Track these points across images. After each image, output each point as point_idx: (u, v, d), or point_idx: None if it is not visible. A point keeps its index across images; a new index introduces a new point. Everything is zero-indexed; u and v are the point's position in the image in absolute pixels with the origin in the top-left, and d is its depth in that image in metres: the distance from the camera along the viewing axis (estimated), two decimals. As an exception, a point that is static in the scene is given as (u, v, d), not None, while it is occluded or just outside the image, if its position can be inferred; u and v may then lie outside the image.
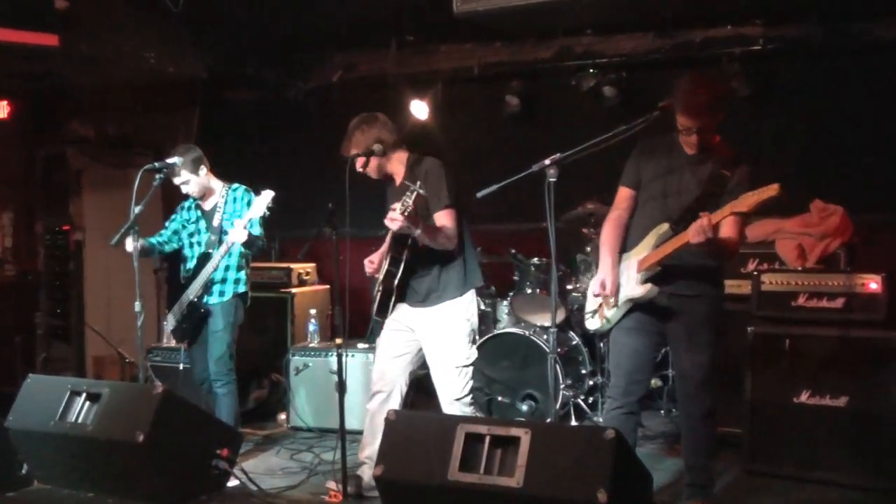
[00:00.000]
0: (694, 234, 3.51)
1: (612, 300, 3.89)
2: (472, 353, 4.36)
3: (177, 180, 4.95)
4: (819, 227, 5.07)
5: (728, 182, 3.71)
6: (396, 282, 4.25)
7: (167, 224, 5.24)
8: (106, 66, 5.94)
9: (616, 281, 3.89)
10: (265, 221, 4.80)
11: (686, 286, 3.80)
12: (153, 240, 5.12)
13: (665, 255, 3.70)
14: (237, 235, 4.69)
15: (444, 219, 4.19)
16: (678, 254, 3.69)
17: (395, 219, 3.95)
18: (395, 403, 4.38)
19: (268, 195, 4.70)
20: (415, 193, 4.00)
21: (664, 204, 3.83)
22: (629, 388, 3.92)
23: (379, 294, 4.33)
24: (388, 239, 4.40)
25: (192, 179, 4.95)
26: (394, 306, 4.35)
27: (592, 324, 4.08)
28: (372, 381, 4.49)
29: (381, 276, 4.32)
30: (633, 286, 3.81)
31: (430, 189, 4.17)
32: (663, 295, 3.79)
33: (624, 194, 4.01)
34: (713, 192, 3.71)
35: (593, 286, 3.96)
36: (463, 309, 4.30)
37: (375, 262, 4.44)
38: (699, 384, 3.85)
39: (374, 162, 4.31)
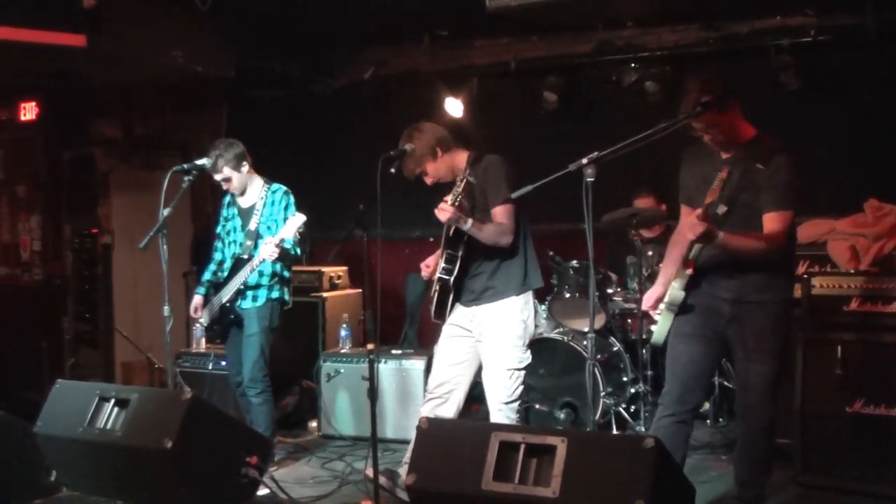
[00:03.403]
0: (687, 231, 3.47)
1: (656, 313, 3.84)
2: (526, 357, 4.26)
3: (218, 177, 4.88)
4: (874, 228, 4.91)
5: (761, 176, 3.56)
6: (452, 280, 4.17)
7: (213, 254, 5.20)
8: (133, 66, 5.91)
9: (656, 295, 3.84)
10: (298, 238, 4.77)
11: (748, 292, 3.64)
12: (206, 277, 5.13)
13: (685, 257, 3.63)
14: (268, 252, 4.63)
15: (501, 214, 4.12)
16: (718, 256, 3.60)
17: (444, 209, 3.92)
18: (450, 411, 4.30)
19: (299, 219, 4.67)
20: (464, 181, 3.94)
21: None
22: (683, 397, 3.77)
23: (436, 294, 4.27)
24: (443, 238, 4.33)
25: (234, 176, 4.90)
26: (451, 308, 4.28)
27: (653, 337, 3.96)
28: (428, 387, 4.42)
29: (436, 276, 4.24)
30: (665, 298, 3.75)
31: (489, 183, 4.13)
32: (725, 302, 3.66)
33: (683, 211, 3.93)
34: (749, 189, 3.58)
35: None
36: (518, 310, 4.21)
37: (431, 266, 4.37)
38: (760, 395, 3.68)
39: (437, 164, 4.24)
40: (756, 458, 3.78)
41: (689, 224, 3.45)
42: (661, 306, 3.79)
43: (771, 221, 3.56)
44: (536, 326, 5.77)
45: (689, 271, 3.65)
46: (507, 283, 4.20)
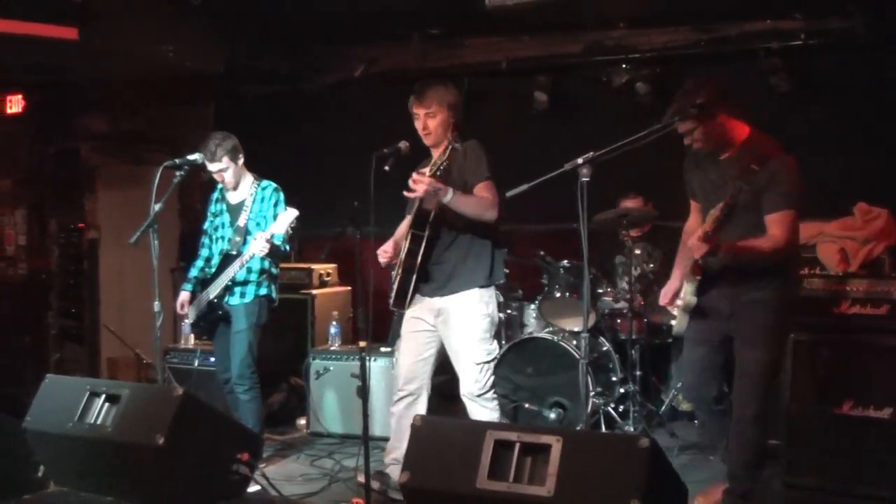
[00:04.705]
0: (694, 251, 3.61)
1: (674, 307, 4.01)
2: (493, 349, 4.29)
3: (214, 167, 4.83)
4: (863, 231, 4.92)
5: (758, 177, 3.63)
6: (418, 261, 4.12)
7: (200, 250, 5.17)
8: (122, 60, 5.86)
9: (672, 290, 4.01)
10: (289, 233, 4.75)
11: (749, 289, 3.76)
12: (193, 274, 5.10)
13: (693, 262, 3.78)
14: (258, 247, 4.59)
15: (484, 190, 4.10)
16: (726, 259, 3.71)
17: (419, 180, 3.86)
18: (423, 405, 4.32)
19: (291, 213, 4.64)
20: (449, 149, 3.85)
21: (707, 212, 3.80)
22: (699, 395, 4.09)
23: (398, 278, 4.21)
24: (405, 221, 4.32)
25: (231, 168, 4.88)
26: (412, 296, 4.23)
27: (674, 329, 4.14)
28: (398, 384, 4.40)
29: (400, 258, 4.20)
30: (682, 295, 3.91)
31: (469, 165, 4.11)
32: (725, 299, 3.81)
33: (692, 206, 4.11)
34: (746, 191, 3.64)
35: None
36: (484, 304, 4.22)
37: (390, 251, 4.32)
38: (754, 382, 3.79)
39: (446, 120, 4.21)
40: (746, 449, 3.85)
41: (695, 246, 3.56)
42: (678, 302, 3.93)
43: (773, 224, 3.65)
44: (524, 326, 5.84)
45: (698, 277, 3.78)
46: (474, 273, 4.19)
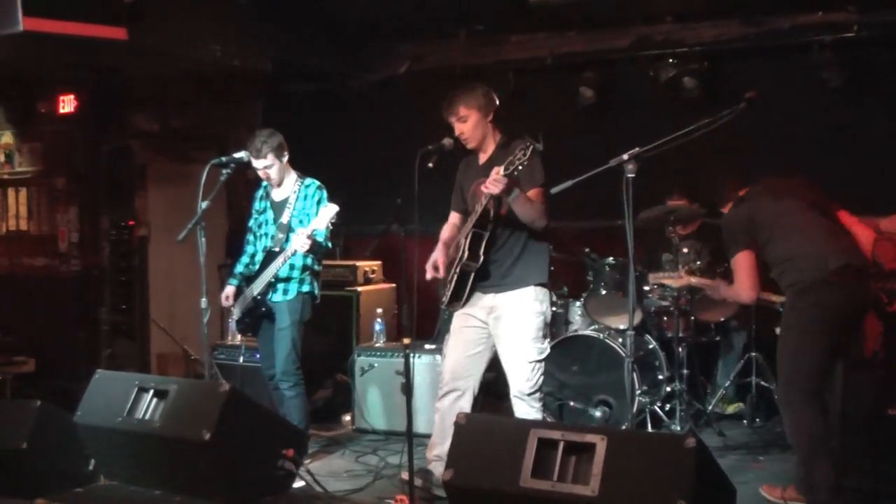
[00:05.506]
0: None
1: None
2: (546, 347, 4.27)
3: (260, 164, 4.87)
4: (920, 227, 4.80)
5: None
6: (480, 262, 4.14)
7: (245, 247, 5.21)
8: (170, 59, 5.94)
9: None
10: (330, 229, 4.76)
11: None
12: (238, 270, 5.13)
13: None
14: (299, 244, 4.62)
15: (537, 196, 4.09)
16: None
17: (498, 180, 3.85)
18: (468, 403, 4.30)
19: (332, 209, 4.66)
20: (530, 148, 3.80)
21: None
22: None
23: (454, 279, 4.22)
24: (450, 222, 4.35)
25: (276, 165, 4.90)
26: (469, 294, 4.23)
27: None
28: (442, 380, 4.40)
29: (458, 257, 4.19)
30: None
31: (524, 168, 4.04)
32: None
33: None
34: None
35: None
36: (538, 302, 4.20)
37: (441, 269, 4.31)
38: (779, 370, 4.03)
39: (479, 122, 4.24)
40: (788, 430, 4.05)
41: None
42: None
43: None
44: (569, 323, 5.79)
45: None
46: (530, 271, 4.19)
